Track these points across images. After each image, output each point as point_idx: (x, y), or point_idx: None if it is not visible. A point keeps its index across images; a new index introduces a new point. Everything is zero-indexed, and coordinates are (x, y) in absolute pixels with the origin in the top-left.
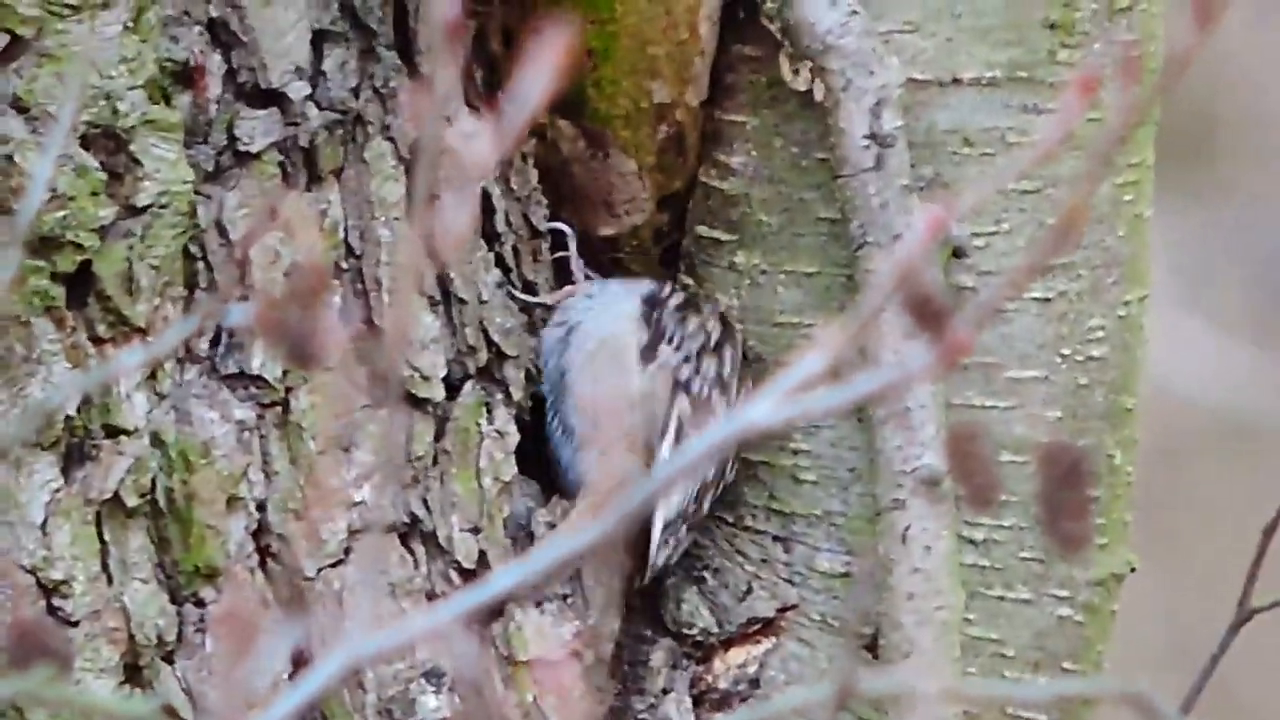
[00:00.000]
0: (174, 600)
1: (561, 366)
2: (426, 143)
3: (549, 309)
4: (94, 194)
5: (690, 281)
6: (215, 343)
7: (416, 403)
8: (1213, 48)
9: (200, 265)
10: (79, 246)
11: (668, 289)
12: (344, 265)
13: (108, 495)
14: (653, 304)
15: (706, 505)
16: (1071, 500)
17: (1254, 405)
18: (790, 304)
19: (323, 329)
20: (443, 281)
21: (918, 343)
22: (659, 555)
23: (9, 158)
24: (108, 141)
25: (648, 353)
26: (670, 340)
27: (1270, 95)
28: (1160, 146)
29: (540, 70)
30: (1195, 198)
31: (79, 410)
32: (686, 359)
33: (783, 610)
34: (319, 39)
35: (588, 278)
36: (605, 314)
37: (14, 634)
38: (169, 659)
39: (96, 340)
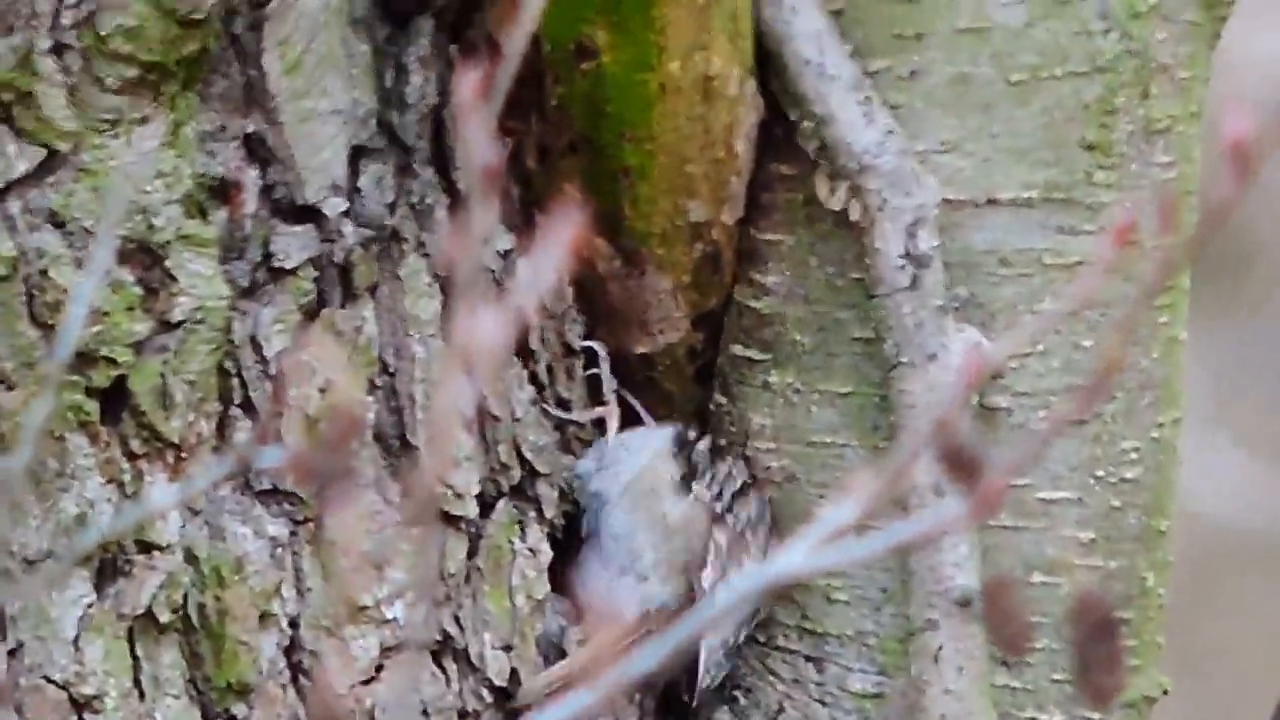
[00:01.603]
0: (206, 716)
1: (597, 495)
2: (463, 272)
3: (582, 429)
4: (129, 309)
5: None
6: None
7: (450, 520)
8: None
9: (235, 381)
10: (113, 362)
11: (693, 432)
12: (378, 383)
13: (140, 611)
14: (682, 444)
15: (743, 635)
16: (1103, 653)
17: None
18: (824, 424)
19: (354, 472)
20: (478, 400)
21: (952, 490)
22: (704, 679)
23: (44, 273)
24: (143, 256)
25: (683, 486)
26: (703, 477)
27: None
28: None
29: (550, 252)
30: (1224, 314)
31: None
32: (719, 496)
33: None
34: (356, 155)
35: (619, 396)
36: (638, 448)
37: None
38: None
39: (131, 456)
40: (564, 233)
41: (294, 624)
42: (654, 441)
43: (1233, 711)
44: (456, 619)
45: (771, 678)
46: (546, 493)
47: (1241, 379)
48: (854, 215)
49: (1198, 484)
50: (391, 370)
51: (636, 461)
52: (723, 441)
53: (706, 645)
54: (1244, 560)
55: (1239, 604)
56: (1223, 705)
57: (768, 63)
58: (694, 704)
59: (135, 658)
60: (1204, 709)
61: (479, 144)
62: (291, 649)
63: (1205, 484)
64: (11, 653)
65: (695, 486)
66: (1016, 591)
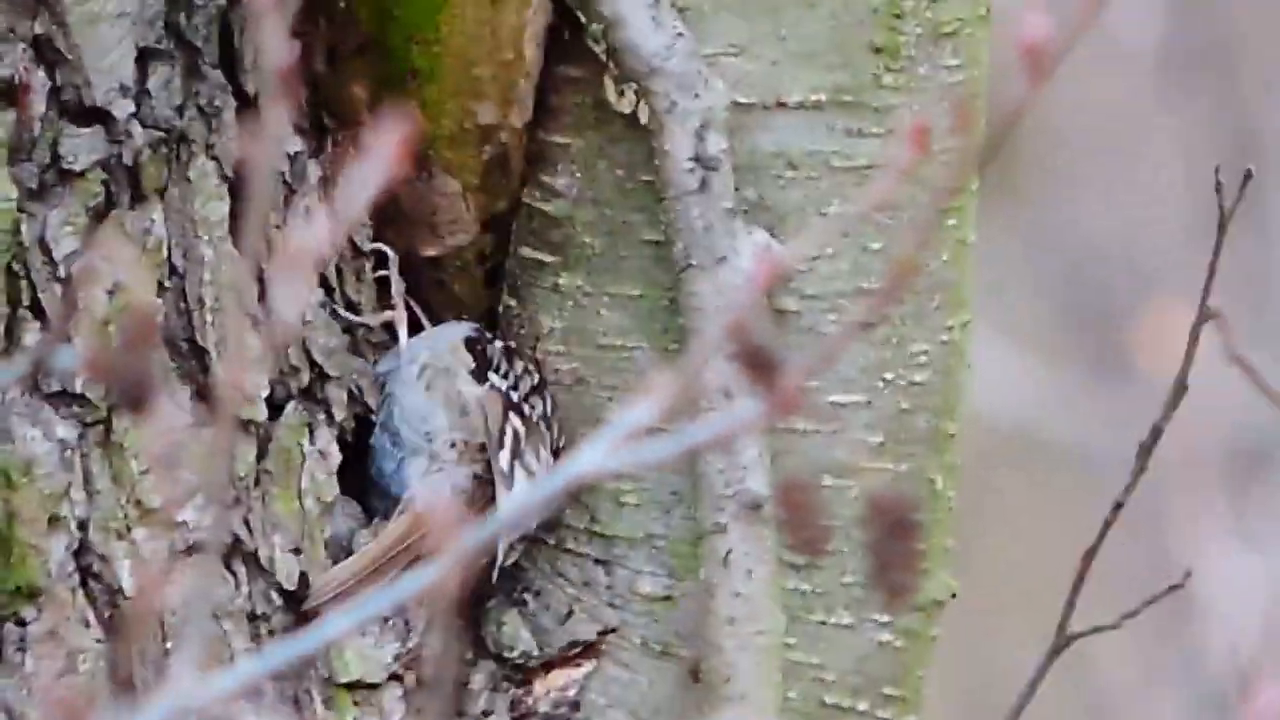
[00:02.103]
0: None
1: (391, 380)
2: (257, 174)
3: (371, 331)
4: None
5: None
6: (39, 364)
7: (239, 423)
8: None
9: (23, 283)
10: None
11: (486, 334)
12: (167, 284)
13: None
14: (477, 340)
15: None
16: (900, 552)
17: (1046, 418)
18: (614, 326)
19: (151, 373)
20: (264, 300)
21: (744, 392)
22: (505, 560)
23: None
24: None
25: (478, 374)
26: (498, 370)
27: (1073, 107)
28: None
29: (375, 165)
30: (994, 209)
31: None
32: (515, 388)
33: (604, 633)
34: (144, 57)
35: (407, 300)
36: (434, 340)
37: None
38: None
39: None
40: (391, 143)
41: (83, 527)
42: (450, 334)
43: (1003, 609)
44: (246, 522)
45: (561, 580)
46: (336, 395)
47: (1004, 271)
48: (643, 118)
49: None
50: (180, 272)
51: (432, 346)
52: (513, 345)
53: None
54: (1006, 450)
55: (1000, 494)
56: (994, 603)
57: None
58: (494, 576)
59: None
60: (977, 608)
61: (273, 45)
62: (81, 552)
63: (986, 380)
64: None
65: (492, 376)
66: (813, 493)
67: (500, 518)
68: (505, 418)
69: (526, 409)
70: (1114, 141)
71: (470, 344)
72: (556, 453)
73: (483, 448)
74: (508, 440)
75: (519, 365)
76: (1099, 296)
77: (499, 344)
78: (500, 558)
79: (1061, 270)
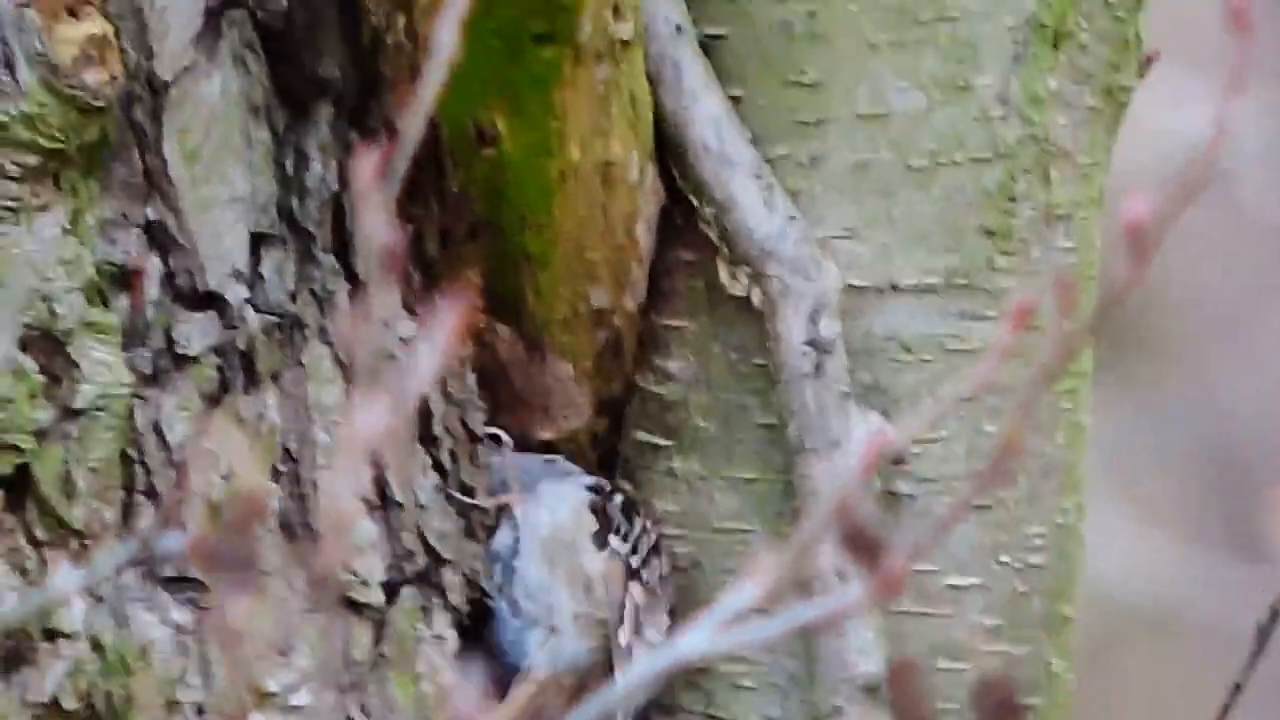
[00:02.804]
0: None
1: (510, 549)
2: (364, 360)
3: (486, 513)
4: (32, 396)
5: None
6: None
7: (355, 607)
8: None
9: (138, 468)
10: (16, 449)
11: (608, 485)
12: (281, 468)
13: (46, 699)
14: (598, 495)
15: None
16: None
17: (1180, 598)
18: (728, 510)
19: (257, 557)
20: (380, 486)
21: (854, 574)
22: None
23: None
24: (46, 344)
25: (600, 539)
26: (618, 531)
27: (1202, 282)
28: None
29: (436, 343)
30: (1125, 387)
31: None
32: (635, 552)
33: None
34: (257, 242)
35: (522, 486)
36: (555, 502)
37: None
38: None
39: (35, 543)
40: (454, 319)
41: (200, 711)
42: (568, 491)
43: None
44: (363, 706)
45: None
46: (452, 579)
47: (1136, 452)
48: (756, 301)
49: (1093, 557)
50: (295, 457)
51: (553, 515)
52: (632, 495)
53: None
54: (1139, 631)
55: (1133, 675)
56: None
57: (668, 148)
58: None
59: None
60: None
61: (377, 227)
62: None
63: (1102, 557)
64: None
65: (613, 540)
66: (921, 674)
67: (609, 696)
68: (626, 589)
69: (646, 574)
70: (1248, 315)
71: (592, 502)
72: (673, 612)
73: (604, 623)
74: (628, 615)
75: (638, 523)
76: (1234, 473)
77: (619, 497)
78: None
79: (1195, 448)
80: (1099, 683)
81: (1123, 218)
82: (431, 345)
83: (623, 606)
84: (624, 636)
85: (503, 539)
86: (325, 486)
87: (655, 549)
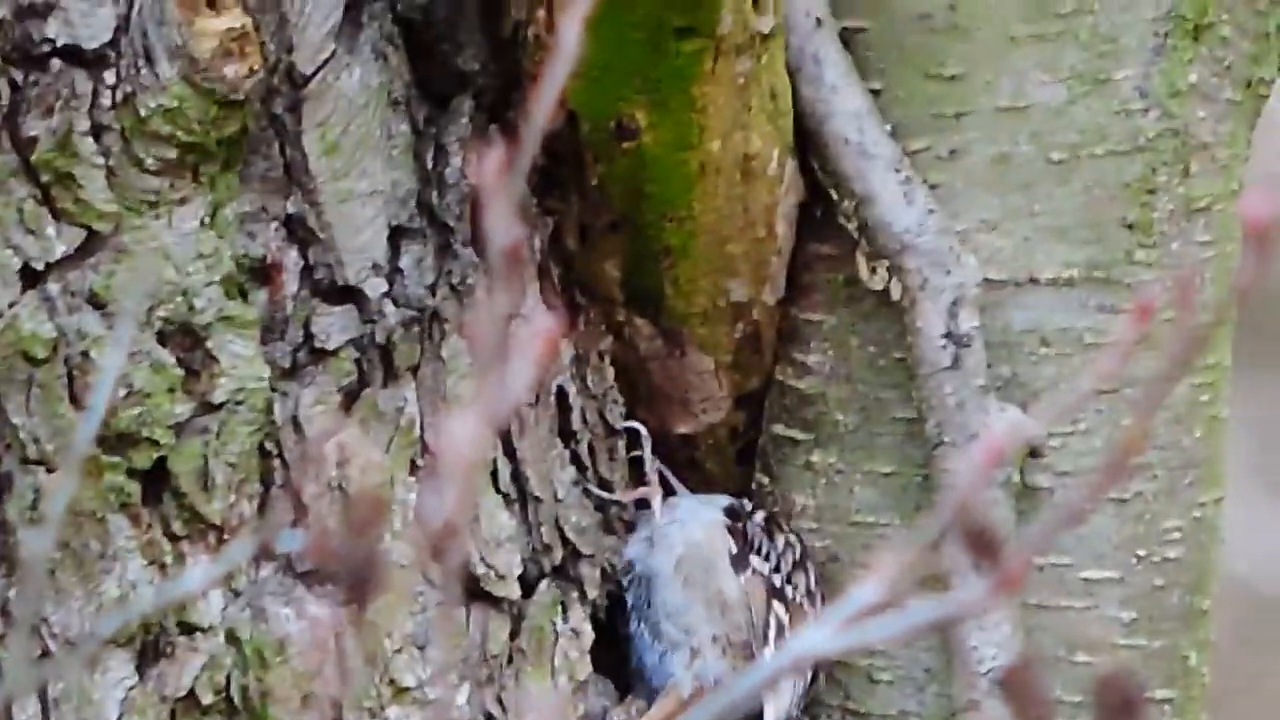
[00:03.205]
0: None
1: (647, 571)
2: (488, 356)
3: (624, 509)
4: (170, 390)
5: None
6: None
7: (492, 600)
8: None
9: (276, 462)
10: (155, 443)
11: (748, 505)
12: (419, 462)
13: (183, 693)
14: (736, 516)
15: (798, 709)
16: None
17: None
18: (866, 504)
19: (378, 559)
20: (518, 479)
21: (975, 572)
22: None
23: (85, 354)
24: (184, 338)
25: (739, 561)
26: (760, 551)
27: None
28: (1247, 318)
29: (524, 363)
30: (1269, 370)
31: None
32: (777, 570)
33: None
34: (396, 235)
35: (661, 476)
36: (690, 522)
37: None
38: None
39: (172, 537)
40: (537, 344)
41: (337, 705)
42: (705, 514)
43: None
44: (499, 700)
45: None
46: (589, 573)
47: None
48: (895, 295)
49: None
50: (433, 451)
51: (688, 535)
52: (776, 512)
53: (773, 713)
54: None
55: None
56: None
57: (807, 142)
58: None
59: None
60: None
61: (501, 223)
62: None
63: (1251, 548)
64: None
65: (753, 559)
66: (1038, 669)
67: (740, 687)
68: (769, 607)
69: (789, 591)
70: None
71: (729, 525)
72: None
73: (746, 644)
74: (771, 634)
75: (780, 540)
76: None
77: (759, 517)
78: None
79: None
80: (1240, 675)
81: (1243, 214)
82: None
83: (767, 626)
84: (769, 655)
85: (637, 550)
86: (453, 478)
87: (800, 562)
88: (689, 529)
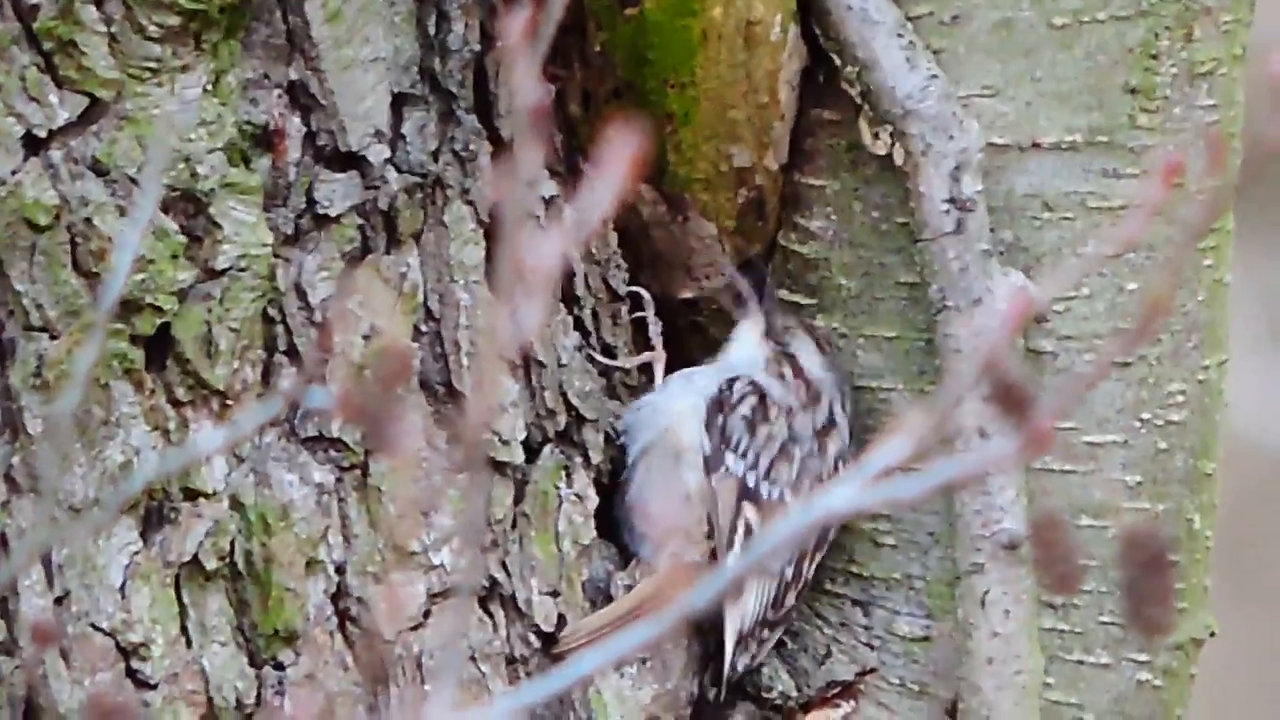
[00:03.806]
0: (253, 663)
1: (628, 450)
2: (509, 216)
3: (628, 374)
4: (173, 257)
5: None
6: (294, 406)
7: (496, 466)
8: None
9: (279, 328)
10: (158, 309)
11: (737, 391)
12: (423, 328)
13: (187, 558)
14: (720, 407)
15: (789, 603)
16: (1154, 586)
17: None
18: (870, 368)
19: (403, 413)
20: (522, 345)
21: (1001, 428)
22: (738, 661)
23: (88, 221)
24: (187, 205)
25: (714, 460)
26: (737, 449)
27: None
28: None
29: (609, 179)
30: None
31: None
32: (754, 467)
33: (862, 674)
34: (399, 102)
35: (666, 341)
36: (668, 408)
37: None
38: None
39: (176, 403)
40: (616, 169)
41: (340, 570)
42: (687, 400)
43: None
44: (504, 565)
45: (819, 621)
46: (592, 438)
47: None
48: (898, 160)
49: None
50: (436, 316)
51: (660, 422)
52: (765, 396)
53: (735, 625)
54: None
55: None
56: (1274, 639)
57: (810, 7)
58: (723, 692)
59: (182, 605)
60: (1255, 646)
61: (525, 85)
62: (338, 595)
63: (1256, 409)
64: (59, 600)
65: (728, 458)
66: (1067, 530)
67: (746, 558)
68: (738, 509)
69: (765, 489)
70: None
71: (709, 419)
72: None
73: (708, 537)
74: (739, 538)
75: (762, 432)
76: None
77: (745, 407)
78: (734, 659)
79: None
80: (1247, 536)
81: (1271, 71)
82: (589, 192)
83: (734, 530)
84: (731, 559)
85: (626, 420)
86: (468, 347)
87: (783, 451)
88: (664, 415)
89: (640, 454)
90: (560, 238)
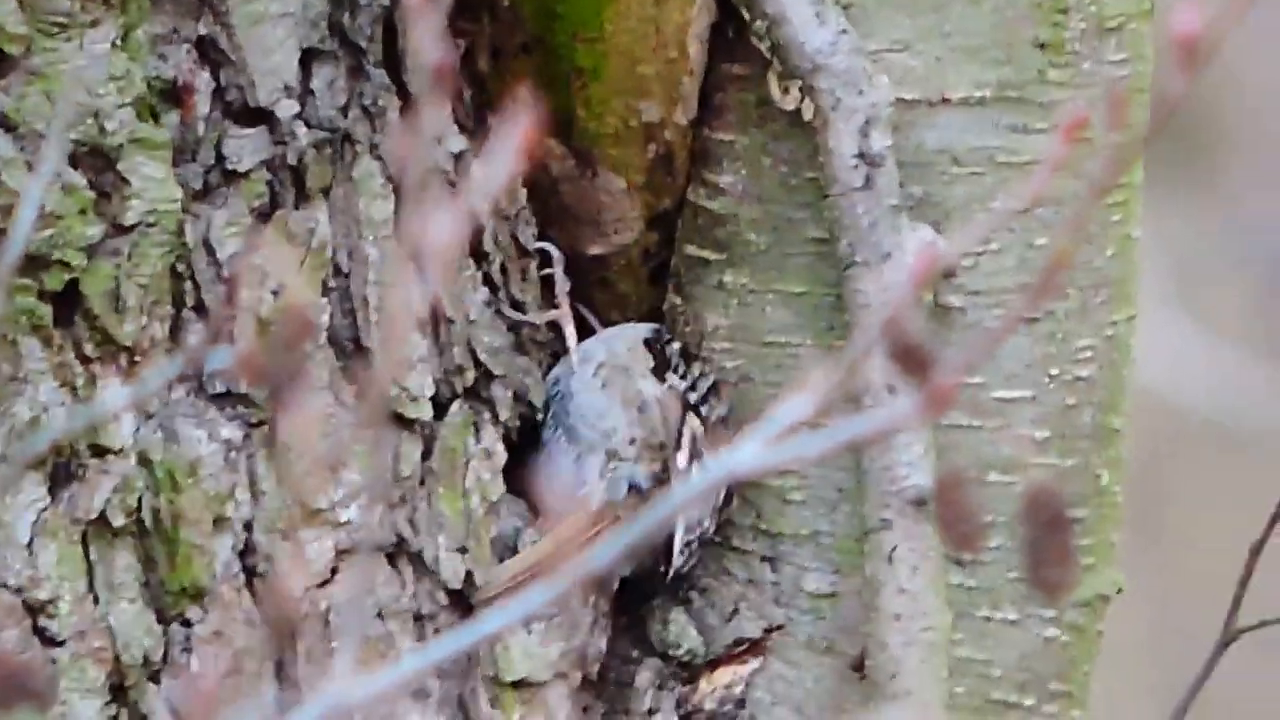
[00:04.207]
0: (160, 620)
1: (568, 389)
2: (414, 173)
3: (537, 330)
4: (81, 212)
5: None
6: (202, 363)
7: (404, 422)
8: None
9: (188, 284)
10: (66, 265)
11: (666, 334)
12: (331, 284)
13: (94, 515)
14: (656, 340)
15: (712, 525)
16: (1054, 546)
17: (1246, 407)
18: (779, 324)
19: (305, 374)
20: (430, 301)
21: (904, 387)
22: (680, 560)
23: None
24: (95, 160)
25: (657, 373)
26: (676, 370)
27: (1269, 89)
28: (1156, 142)
29: (504, 152)
30: (1188, 198)
31: None
32: (693, 389)
33: (769, 631)
34: (308, 57)
35: (572, 300)
36: (614, 339)
37: None
38: (155, 679)
39: (84, 359)
40: (516, 132)
41: (248, 527)
42: (628, 334)
43: (1193, 602)
44: (411, 521)
45: (727, 578)
46: (501, 394)
47: (1204, 261)
48: (807, 115)
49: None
50: (345, 272)
51: (610, 347)
52: (691, 348)
53: (684, 524)
54: (1205, 441)
55: (1201, 489)
56: (1181, 597)
57: None
58: (668, 577)
59: (89, 562)
60: (1162, 603)
61: (429, 43)
62: (246, 552)
63: (1162, 365)
64: None
65: (670, 376)
66: (969, 488)
67: (659, 511)
68: (684, 418)
69: (705, 410)
70: None
71: (649, 344)
72: None
73: (662, 446)
74: (685, 441)
75: (696, 367)
76: None
77: (677, 345)
78: (676, 560)
79: (1258, 256)
80: (1156, 491)
81: (1174, 28)
82: (490, 158)
83: (680, 434)
84: (682, 460)
85: (560, 370)
86: (377, 303)
87: (714, 390)
88: (612, 344)
89: (594, 371)
90: (458, 210)
